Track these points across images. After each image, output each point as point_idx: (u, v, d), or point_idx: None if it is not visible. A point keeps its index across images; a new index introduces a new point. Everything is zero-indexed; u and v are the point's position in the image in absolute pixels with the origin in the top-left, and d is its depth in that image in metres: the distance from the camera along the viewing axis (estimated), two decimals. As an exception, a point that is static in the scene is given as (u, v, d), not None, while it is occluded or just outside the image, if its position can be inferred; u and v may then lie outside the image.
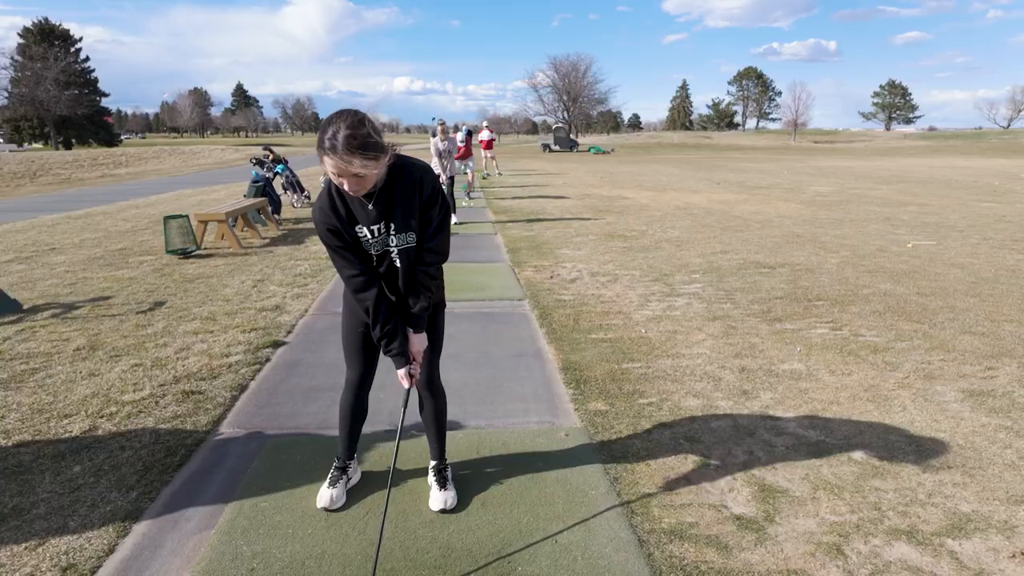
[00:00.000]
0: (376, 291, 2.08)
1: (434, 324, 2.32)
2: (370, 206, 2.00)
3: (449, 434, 2.91)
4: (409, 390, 2.25)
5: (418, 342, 2.20)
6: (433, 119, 14.20)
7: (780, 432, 3.06)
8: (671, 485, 2.61)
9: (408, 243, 2.08)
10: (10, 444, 2.92)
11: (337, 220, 2.01)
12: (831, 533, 2.29)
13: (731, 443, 2.96)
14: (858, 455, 2.84)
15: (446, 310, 2.41)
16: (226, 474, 2.69)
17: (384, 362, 2.55)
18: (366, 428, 2.56)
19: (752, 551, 2.20)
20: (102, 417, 3.19)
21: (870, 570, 2.10)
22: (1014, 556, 2.16)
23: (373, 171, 1.86)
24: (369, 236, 2.04)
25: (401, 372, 2.20)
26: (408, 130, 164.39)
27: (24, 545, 2.21)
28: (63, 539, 2.25)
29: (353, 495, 2.52)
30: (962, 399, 3.43)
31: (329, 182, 2.00)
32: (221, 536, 2.26)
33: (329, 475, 2.51)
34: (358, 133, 1.79)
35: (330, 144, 1.79)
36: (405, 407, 2.26)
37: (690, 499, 2.51)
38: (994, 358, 4.03)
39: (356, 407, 2.44)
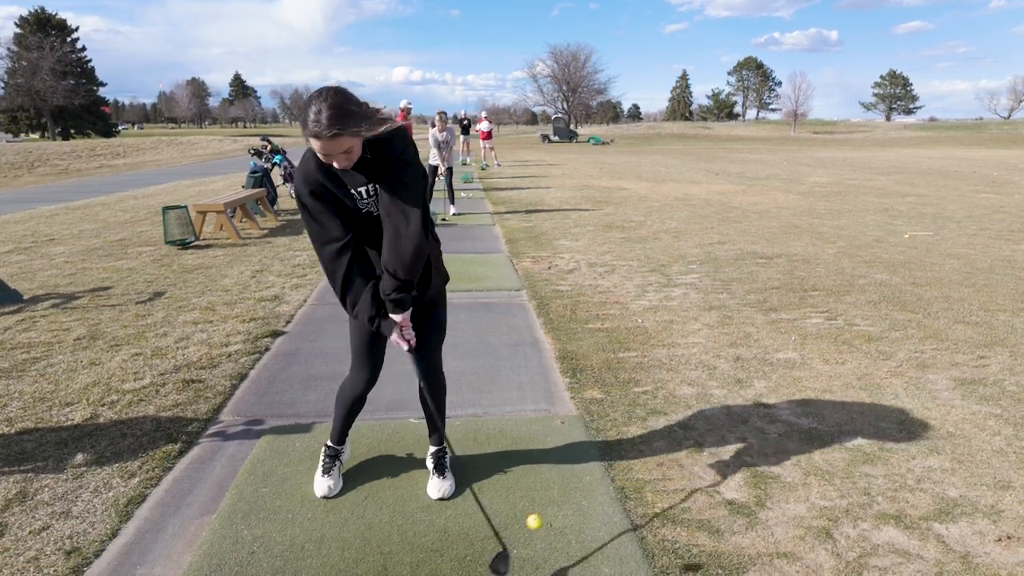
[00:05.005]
0: (348, 259, 1.99)
1: (436, 308, 2.32)
2: (353, 171, 1.97)
3: (447, 421, 2.95)
4: (413, 350, 2.13)
5: (399, 318, 2.07)
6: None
7: (773, 420, 3.11)
8: (664, 471, 2.65)
9: None
10: (13, 432, 2.96)
11: (324, 178, 1.96)
12: (821, 517, 2.34)
13: (724, 430, 3.00)
14: (849, 442, 2.88)
15: None
16: (226, 461, 2.73)
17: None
18: (365, 415, 2.60)
19: (743, 535, 2.25)
20: (103, 405, 3.23)
21: (858, 553, 2.15)
22: (1000, 540, 2.21)
23: (360, 141, 1.85)
24: (363, 196, 2.00)
25: (393, 338, 2.08)
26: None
27: (28, 530, 2.25)
28: (67, 524, 2.29)
29: (350, 480, 2.55)
30: (953, 387, 3.47)
31: (309, 150, 1.96)
32: (222, 520, 2.30)
33: (321, 462, 2.51)
34: (340, 110, 1.77)
35: (314, 126, 1.76)
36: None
37: (683, 484, 2.56)
38: (987, 347, 4.07)
39: (356, 401, 2.45)
